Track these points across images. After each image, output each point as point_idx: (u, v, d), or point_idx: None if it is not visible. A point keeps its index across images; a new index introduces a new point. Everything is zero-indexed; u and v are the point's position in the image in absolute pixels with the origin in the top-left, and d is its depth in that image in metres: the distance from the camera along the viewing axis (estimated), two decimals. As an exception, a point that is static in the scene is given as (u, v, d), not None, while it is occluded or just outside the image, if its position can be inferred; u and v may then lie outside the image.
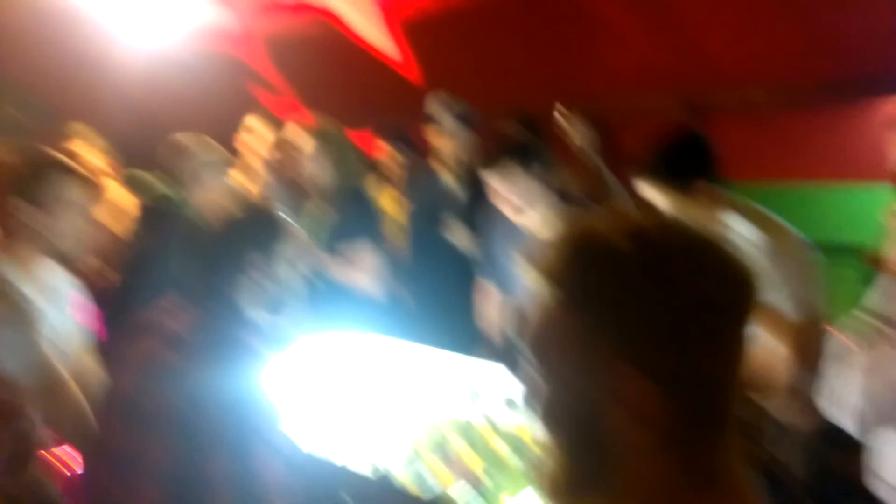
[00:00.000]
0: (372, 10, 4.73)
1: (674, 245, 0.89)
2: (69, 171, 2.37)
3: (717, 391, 0.88)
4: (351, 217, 3.55)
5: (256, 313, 2.04)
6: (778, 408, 2.56)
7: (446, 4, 4.40)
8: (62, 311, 2.55)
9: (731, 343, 0.88)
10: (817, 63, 3.89)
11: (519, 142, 3.06)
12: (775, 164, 4.46)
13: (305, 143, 3.60)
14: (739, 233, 2.50)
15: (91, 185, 2.44)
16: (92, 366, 2.58)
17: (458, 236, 3.69)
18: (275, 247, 2.06)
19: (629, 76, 4.62)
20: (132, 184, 3.10)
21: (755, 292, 0.90)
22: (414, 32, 4.82)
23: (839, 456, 2.53)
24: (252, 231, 2.05)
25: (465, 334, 3.57)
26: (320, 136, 3.58)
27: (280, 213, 2.15)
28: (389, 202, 4.28)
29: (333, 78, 5.52)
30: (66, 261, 2.50)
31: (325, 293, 3.37)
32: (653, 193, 2.56)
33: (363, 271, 3.53)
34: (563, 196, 3.10)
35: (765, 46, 4.00)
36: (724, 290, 0.87)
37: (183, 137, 3.31)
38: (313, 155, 3.55)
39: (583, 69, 4.71)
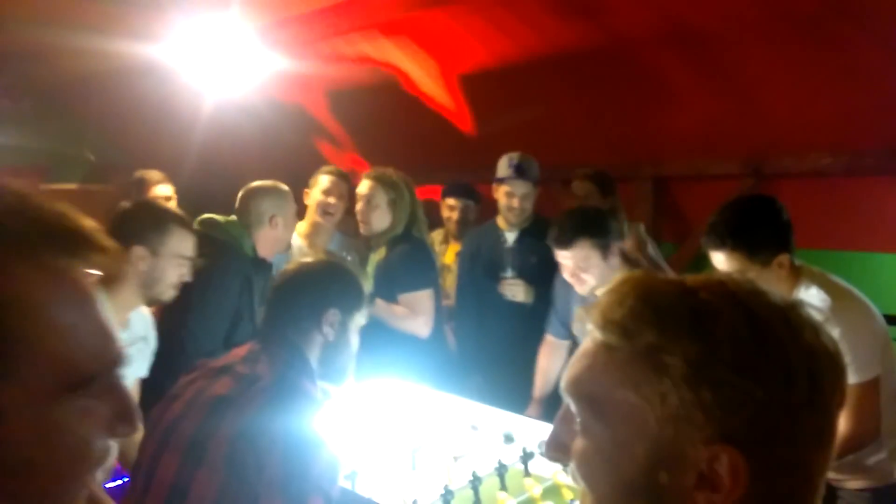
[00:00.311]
0: (434, 66, 4.81)
1: (765, 307, 0.82)
2: (188, 228, 2.59)
3: (800, 468, 0.82)
4: (404, 263, 3.58)
5: (321, 373, 2.09)
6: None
7: (507, 61, 4.47)
8: (145, 359, 2.69)
9: (825, 422, 0.82)
10: (885, 129, 3.84)
11: (593, 217, 3.01)
12: (841, 232, 4.38)
13: (361, 186, 3.66)
14: (807, 297, 2.46)
15: (192, 240, 2.63)
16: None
17: (512, 289, 3.70)
18: (354, 311, 2.15)
19: (693, 139, 4.62)
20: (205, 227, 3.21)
21: (844, 367, 0.85)
22: (473, 88, 4.89)
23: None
24: (337, 292, 2.11)
25: (509, 382, 3.61)
26: (377, 179, 3.64)
27: (360, 277, 2.22)
28: (452, 257, 4.32)
29: (395, 131, 5.62)
30: (154, 303, 2.67)
31: (373, 337, 3.40)
32: (726, 263, 2.49)
33: (416, 318, 3.54)
34: (636, 265, 3.07)
35: (832, 112, 3.96)
36: (816, 357, 0.81)
37: (259, 182, 3.44)
38: (368, 197, 3.61)
39: (645, 130, 4.73)
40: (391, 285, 3.52)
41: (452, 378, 3.56)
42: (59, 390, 0.61)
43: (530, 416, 3.13)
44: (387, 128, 5.62)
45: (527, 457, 2.63)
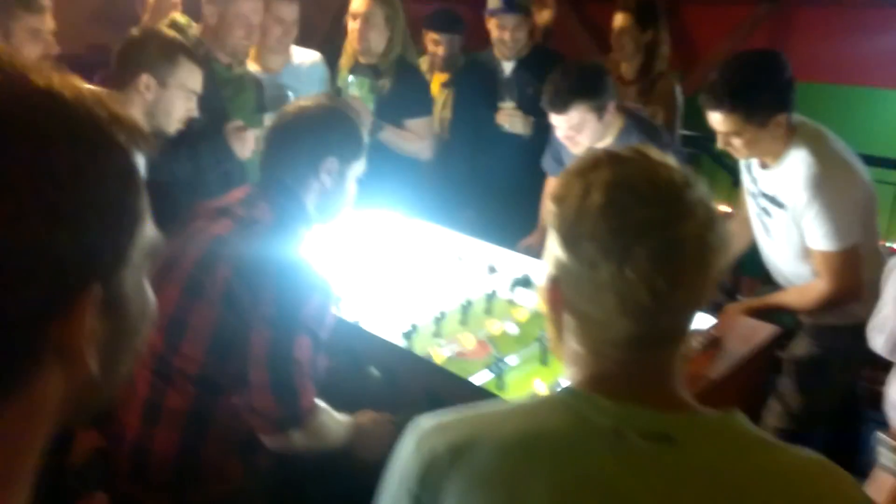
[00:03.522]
0: None
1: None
2: (197, 61, 2.64)
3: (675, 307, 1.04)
4: (403, 85, 3.57)
5: (316, 217, 2.17)
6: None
7: None
8: None
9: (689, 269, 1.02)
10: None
11: (588, 76, 2.91)
12: (859, 66, 4.27)
13: (356, 2, 3.54)
14: (795, 159, 2.52)
15: (202, 74, 2.69)
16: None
17: (511, 119, 3.69)
18: (353, 161, 2.15)
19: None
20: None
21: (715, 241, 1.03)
22: None
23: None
24: (337, 140, 2.11)
25: (500, 216, 3.70)
26: None
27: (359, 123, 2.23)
28: (437, 88, 4.19)
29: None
30: (158, 134, 2.70)
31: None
32: (723, 123, 2.49)
33: (423, 141, 3.62)
34: (635, 121, 3.03)
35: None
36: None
37: None
38: (366, 15, 3.49)
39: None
40: (396, 113, 3.56)
41: (444, 211, 3.66)
42: (143, 259, 0.70)
43: (529, 246, 3.24)
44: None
45: (515, 284, 2.82)
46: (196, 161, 2.96)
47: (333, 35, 3.84)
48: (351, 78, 3.54)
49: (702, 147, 4.33)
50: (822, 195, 2.44)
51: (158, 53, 2.54)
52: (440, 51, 4.25)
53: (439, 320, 2.59)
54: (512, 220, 3.60)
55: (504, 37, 3.67)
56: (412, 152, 3.63)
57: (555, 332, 1.14)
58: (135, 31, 2.66)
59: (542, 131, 3.39)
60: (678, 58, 4.93)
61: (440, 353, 2.41)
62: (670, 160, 1.09)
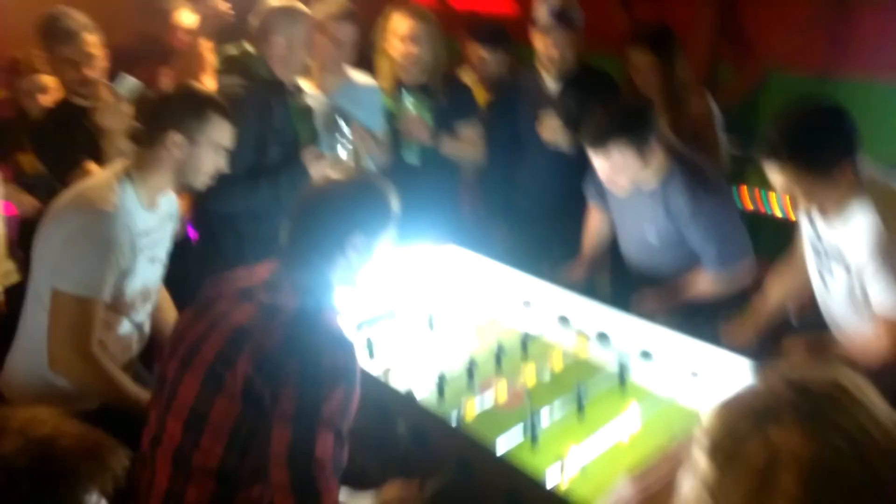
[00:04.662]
0: None
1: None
2: (227, 116, 2.58)
3: None
4: (453, 97, 3.62)
5: (341, 287, 2.10)
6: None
7: None
8: (171, 238, 2.75)
9: None
10: None
11: (631, 113, 2.79)
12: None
13: (399, 25, 3.52)
14: (859, 214, 2.34)
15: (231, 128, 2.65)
16: (169, 306, 2.87)
17: (551, 131, 3.53)
18: (381, 233, 2.09)
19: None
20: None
21: None
22: None
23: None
24: (364, 215, 2.06)
25: (536, 240, 3.64)
26: (420, 16, 3.51)
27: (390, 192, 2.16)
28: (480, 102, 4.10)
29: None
30: (185, 190, 2.74)
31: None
32: (781, 175, 2.31)
33: (473, 144, 3.65)
34: (680, 162, 2.87)
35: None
36: None
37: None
38: (415, 37, 3.48)
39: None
40: (451, 123, 3.60)
41: (478, 233, 3.64)
42: None
43: (570, 278, 3.15)
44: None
45: (544, 325, 2.72)
46: (276, 191, 3.07)
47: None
48: (408, 97, 3.54)
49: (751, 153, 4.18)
50: (889, 263, 2.26)
51: (187, 110, 2.50)
52: (486, 67, 4.11)
53: (471, 368, 2.50)
54: (550, 244, 3.52)
55: (553, 54, 3.52)
56: (471, 158, 3.71)
57: None
58: (165, 89, 2.64)
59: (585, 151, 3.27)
60: (734, 53, 4.76)
61: (473, 406, 2.33)
62: (884, 409, 0.80)
